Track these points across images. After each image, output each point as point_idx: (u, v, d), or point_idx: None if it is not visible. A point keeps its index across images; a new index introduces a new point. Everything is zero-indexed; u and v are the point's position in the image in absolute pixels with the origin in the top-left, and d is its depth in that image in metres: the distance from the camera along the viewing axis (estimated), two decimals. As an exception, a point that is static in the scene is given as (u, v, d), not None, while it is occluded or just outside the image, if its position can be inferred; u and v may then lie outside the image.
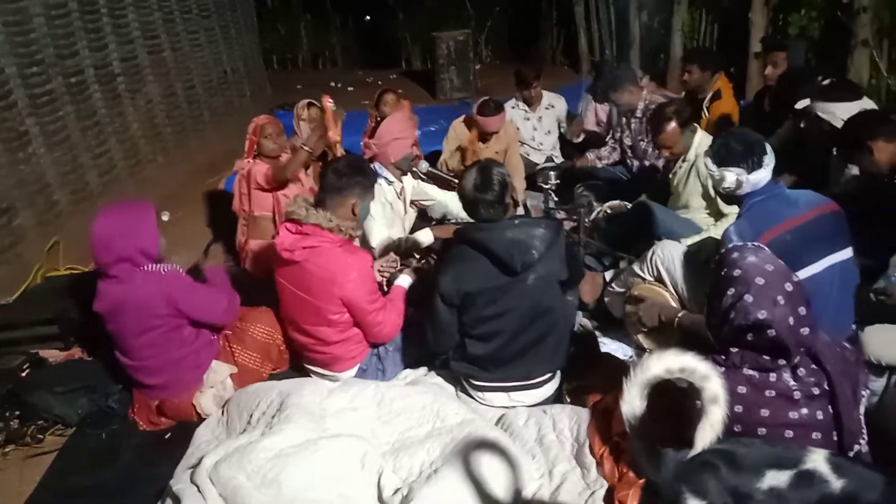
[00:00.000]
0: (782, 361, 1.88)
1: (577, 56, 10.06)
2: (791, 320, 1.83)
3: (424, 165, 4.24)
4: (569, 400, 2.89)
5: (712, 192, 3.64)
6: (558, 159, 5.67)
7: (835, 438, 1.89)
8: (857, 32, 5.29)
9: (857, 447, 1.90)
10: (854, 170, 3.55)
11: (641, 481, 2.26)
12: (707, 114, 5.03)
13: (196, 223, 5.47)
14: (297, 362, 3.29)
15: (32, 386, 3.13)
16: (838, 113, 3.47)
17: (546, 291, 2.70)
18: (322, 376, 3.13)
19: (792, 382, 1.89)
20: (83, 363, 3.43)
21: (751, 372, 1.91)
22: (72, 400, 3.09)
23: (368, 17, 14.13)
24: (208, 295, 3.06)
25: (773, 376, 1.90)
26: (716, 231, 3.59)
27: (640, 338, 3.17)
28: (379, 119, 5.17)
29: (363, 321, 2.95)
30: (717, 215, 3.75)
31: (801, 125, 3.65)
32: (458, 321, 2.74)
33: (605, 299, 3.49)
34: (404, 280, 3.24)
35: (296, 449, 2.37)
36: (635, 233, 3.92)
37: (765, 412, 1.88)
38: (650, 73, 4.90)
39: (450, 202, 4.16)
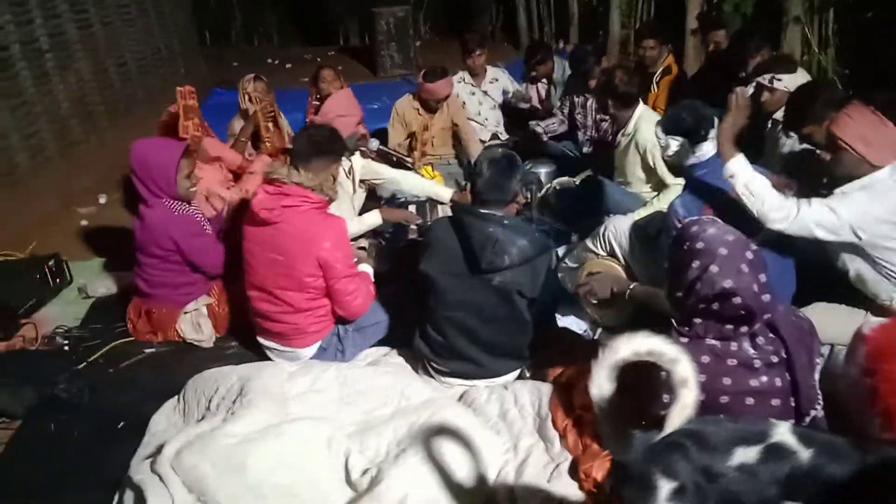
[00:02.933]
0: (745, 328, 1.93)
1: (517, 32, 10.07)
2: (755, 287, 1.89)
3: (374, 144, 4.21)
4: (528, 375, 2.92)
5: (652, 164, 3.74)
6: (503, 136, 5.69)
7: (792, 405, 1.97)
8: (788, 10, 5.45)
9: (813, 412, 1.98)
10: (789, 142, 3.69)
11: (606, 453, 2.32)
12: (656, 88, 5.13)
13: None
14: (249, 338, 3.29)
15: (-27, 379, 2.99)
16: (788, 83, 3.61)
17: (505, 301, 2.68)
18: (279, 353, 3.11)
19: (752, 351, 1.96)
20: (27, 353, 3.31)
21: (713, 342, 1.97)
22: (16, 391, 2.96)
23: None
24: (208, 245, 3.36)
25: (733, 345, 1.96)
26: (659, 204, 3.67)
27: (592, 311, 3.23)
28: (319, 97, 5.12)
29: (336, 287, 2.95)
30: (659, 187, 3.83)
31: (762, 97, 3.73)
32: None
33: (559, 275, 3.54)
34: (366, 268, 3.24)
35: (259, 434, 2.33)
36: (585, 208, 3.98)
37: (727, 380, 1.94)
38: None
39: (402, 180, 4.13)
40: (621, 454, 1.62)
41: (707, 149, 2.84)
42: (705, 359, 1.96)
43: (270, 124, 4.51)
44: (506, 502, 2.24)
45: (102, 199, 5.32)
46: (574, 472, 2.35)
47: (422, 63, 9.54)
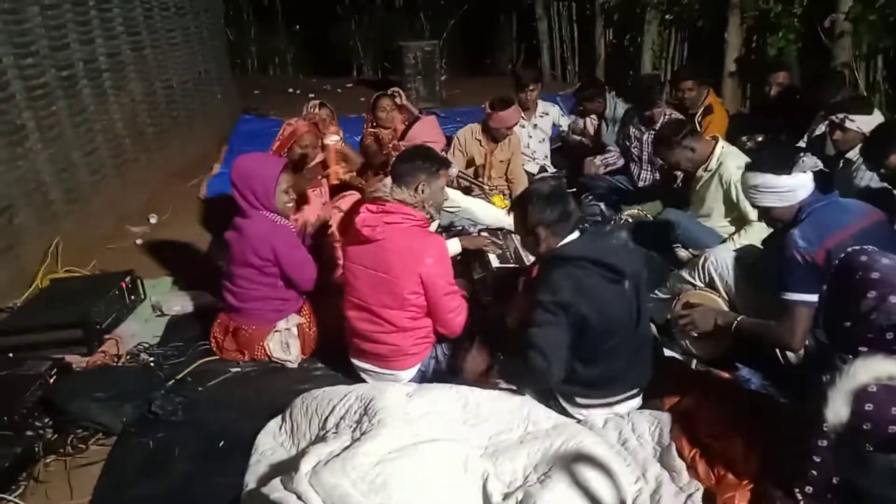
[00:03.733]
0: None
1: (540, 71, 10.23)
2: None
3: (455, 170, 4.23)
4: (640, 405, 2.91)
5: (735, 199, 3.79)
6: (551, 169, 5.75)
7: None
8: (837, 55, 5.59)
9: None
10: (865, 177, 3.79)
11: (745, 482, 2.32)
12: (700, 128, 5.21)
13: (184, 226, 5.26)
14: (336, 360, 3.31)
15: (71, 393, 2.93)
16: (861, 124, 3.75)
17: (639, 294, 2.70)
18: (376, 376, 3.11)
19: (918, 381, 1.97)
20: (116, 369, 3.27)
21: (882, 371, 1.97)
22: (115, 407, 2.91)
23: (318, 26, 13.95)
24: (305, 260, 3.38)
25: (898, 374, 1.96)
26: (744, 238, 3.71)
27: (690, 343, 3.24)
28: (375, 124, 5.18)
29: (439, 303, 2.97)
30: (739, 223, 3.87)
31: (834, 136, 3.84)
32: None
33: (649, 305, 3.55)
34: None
35: (397, 454, 2.30)
36: (659, 240, 4.02)
37: (895, 410, 1.95)
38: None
39: (475, 209, 4.16)
40: (859, 478, 1.61)
41: (803, 182, 2.88)
42: (873, 388, 1.96)
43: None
44: (651, 531, 2.21)
45: (153, 219, 5.31)
46: (708, 501, 2.34)
47: (446, 97, 9.69)
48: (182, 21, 6.84)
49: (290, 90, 10.81)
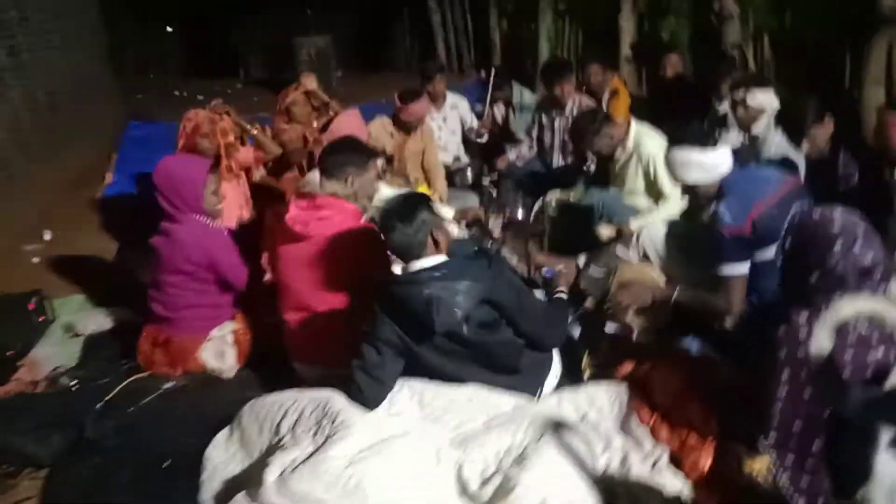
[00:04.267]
0: (869, 290, 2.02)
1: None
2: (886, 254, 2.04)
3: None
4: (586, 380, 2.95)
5: (652, 176, 3.91)
6: (464, 158, 5.76)
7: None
8: (726, 37, 5.88)
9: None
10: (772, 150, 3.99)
11: (709, 440, 2.39)
12: (607, 110, 5.35)
13: (84, 240, 4.94)
14: (272, 366, 3.19)
15: (-9, 427, 2.68)
16: (763, 100, 3.95)
17: (480, 340, 2.52)
18: (322, 378, 2.98)
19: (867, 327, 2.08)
20: (36, 396, 3.02)
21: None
22: (42, 437, 2.68)
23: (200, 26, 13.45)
24: (240, 260, 3.27)
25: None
26: (662, 211, 3.84)
27: (629, 318, 3.31)
28: (288, 120, 5.06)
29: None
30: (658, 197, 4.00)
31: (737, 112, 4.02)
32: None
33: (581, 284, 3.61)
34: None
35: (367, 453, 2.23)
36: (585, 221, 4.10)
37: (847, 355, 2.05)
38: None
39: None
40: (839, 407, 1.67)
41: (725, 157, 3.01)
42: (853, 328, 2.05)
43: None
44: (625, 499, 2.24)
45: (48, 235, 4.95)
46: (674, 464, 2.40)
47: (343, 94, 9.55)
48: (59, 23, 6.39)
49: (177, 93, 10.38)
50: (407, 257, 2.51)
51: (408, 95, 4.80)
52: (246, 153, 4.40)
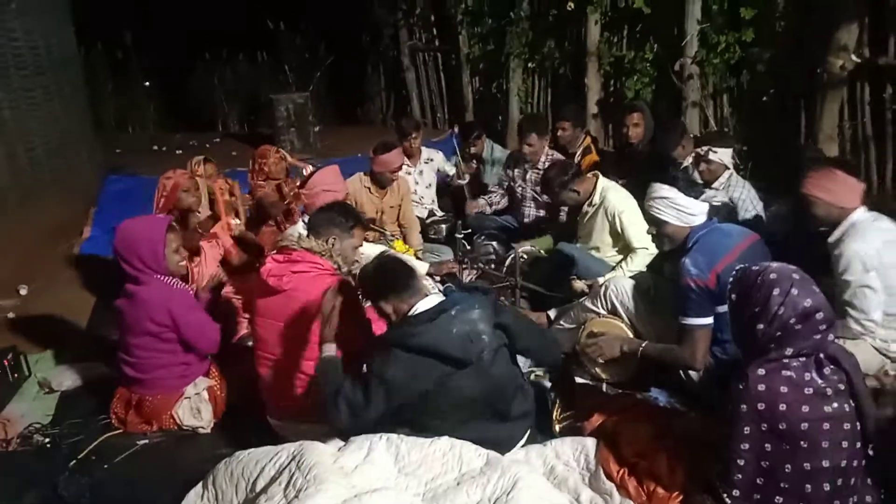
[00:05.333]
0: (819, 337, 2.17)
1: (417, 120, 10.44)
2: (825, 300, 2.17)
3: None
4: (557, 432, 3.00)
5: (619, 230, 4.04)
6: (438, 213, 5.87)
7: (859, 428, 2.20)
8: (687, 95, 6.12)
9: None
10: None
11: (675, 495, 2.45)
12: (579, 166, 5.52)
13: (60, 295, 4.93)
14: (247, 420, 3.22)
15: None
16: (723, 156, 4.22)
17: (499, 363, 2.70)
18: (298, 432, 3.00)
19: (820, 381, 2.18)
20: (9, 454, 3.02)
21: (789, 373, 2.16)
22: (14, 495, 2.68)
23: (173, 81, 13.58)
24: (205, 321, 3.27)
25: (806, 375, 2.16)
26: (628, 266, 3.96)
27: (598, 370, 3.40)
28: (266, 177, 5.12)
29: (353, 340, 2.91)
30: (624, 251, 4.12)
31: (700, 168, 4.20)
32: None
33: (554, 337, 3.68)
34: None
35: (340, 509, 2.26)
36: (556, 274, 4.20)
37: (805, 408, 2.14)
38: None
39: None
40: None
41: (702, 209, 3.14)
42: (784, 389, 2.16)
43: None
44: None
45: (23, 290, 4.94)
46: (641, 518, 2.45)
47: (321, 148, 9.69)
48: (41, 80, 6.46)
49: (155, 147, 10.46)
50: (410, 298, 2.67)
51: (380, 147, 4.94)
52: (226, 222, 4.39)
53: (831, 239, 3.19)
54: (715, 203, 3.38)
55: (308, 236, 3.06)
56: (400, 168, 5.03)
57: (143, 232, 3.18)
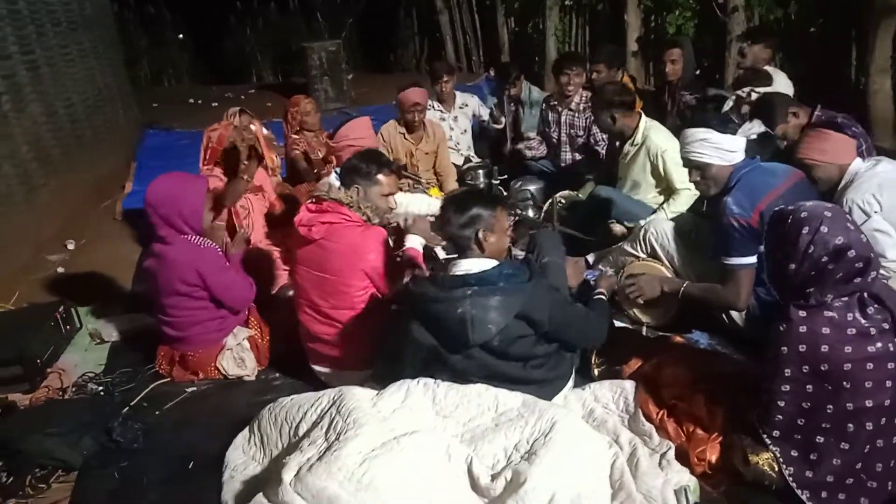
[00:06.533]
0: (860, 280, 2.10)
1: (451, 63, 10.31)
2: (863, 238, 2.10)
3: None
4: (596, 376, 3.00)
5: (661, 171, 3.95)
6: (475, 159, 5.81)
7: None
8: (732, 29, 5.90)
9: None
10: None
11: (714, 435, 2.45)
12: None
13: (106, 249, 5.06)
14: (295, 367, 3.28)
15: (22, 432, 2.78)
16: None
17: (509, 350, 2.56)
18: (338, 379, 3.07)
19: (864, 321, 2.13)
20: (65, 402, 3.12)
21: (831, 314, 2.12)
22: (72, 441, 2.78)
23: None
24: (235, 279, 3.28)
25: (849, 315, 2.12)
26: (669, 208, 3.88)
27: (637, 312, 3.37)
28: (300, 129, 5.13)
29: (391, 292, 3.00)
30: (667, 193, 4.03)
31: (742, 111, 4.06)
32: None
33: (591, 281, 3.66)
34: (415, 241, 3.32)
35: (380, 450, 2.30)
36: (594, 218, 4.15)
37: (848, 348, 2.10)
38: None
39: (412, 203, 4.17)
40: None
41: (740, 144, 3.05)
42: (826, 330, 2.12)
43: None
44: (636, 494, 2.30)
45: (71, 245, 5.08)
46: (682, 458, 2.46)
47: (355, 96, 9.63)
48: (76, 36, 6.53)
49: (191, 101, 10.53)
50: (455, 250, 2.61)
51: (400, 89, 4.92)
52: (270, 157, 4.33)
53: (836, 196, 3.12)
54: (752, 137, 3.25)
55: (339, 188, 3.06)
56: (420, 106, 4.92)
57: (184, 189, 3.14)
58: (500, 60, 9.24)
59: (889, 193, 3.02)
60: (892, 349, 2.14)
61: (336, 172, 3.49)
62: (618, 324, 3.25)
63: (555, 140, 5.30)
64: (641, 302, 3.28)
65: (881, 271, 2.94)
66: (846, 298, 2.13)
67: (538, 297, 2.51)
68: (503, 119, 5.75)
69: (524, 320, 2.50)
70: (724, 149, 3.01)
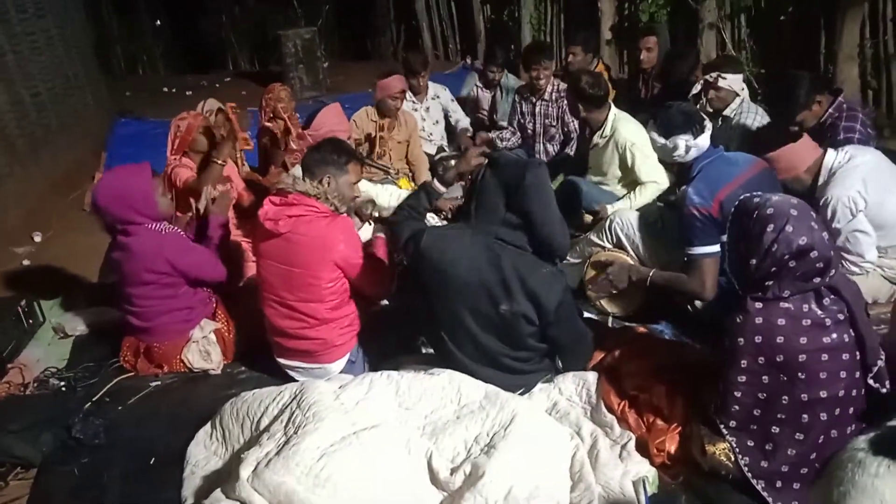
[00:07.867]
0: (819, 280, 2.12)
1: (421, 51, 10.22)
2: (826, 240, 2.10)
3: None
4: (561, 367, 3.00)
5: (629, 162, 3.95)
6: (448, 149, 5.79)
7: (858, 358, 2.17)
8: (704, 16, 5.91)
9: (878, 364, 2.19)
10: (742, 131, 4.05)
11: (674, 426, 2.46)
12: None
13: (72, 241, 4.98)
14: (261, 361, 3.26)
15: (-20, 428, 2.75)
16: (733, 82, 4.02)
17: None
18: (305, 372, 3.08)
19: (819, 312, 2.14)
20: (26, 398, 3.08)
21: (787, 305, 2.13)
22: (32, 437, 2.75)
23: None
24: (205, 254, 3.29)
25: (805, 306, 2.13)
26: (636, 199, 3.88)
27: (604, 302, 3.39)
28: (272, 116, 5.05)
29: (363, 280, 3.00)
30: (632, 184, 4.03)
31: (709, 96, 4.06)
32: None
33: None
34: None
35: (339, 445, 2.30)
36: (563, 208, 4.13)
37: (803, 339, 2.12)
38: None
39: (380, 194, 4.15)
40: None
41: (706, 139, 3.06)
42: (781, 321, 2.13)
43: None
44: (595, 486, 2.31)
45: (38, 237, 5.00)
46: (642, 449, 2.47)
47: (330, 84, 9.55)
48: (42, 23, 6.40)
49: (165, 89, 10.38)
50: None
51: (381, 76, 4.88)
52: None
53: (818, 192, 3.11)
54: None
55: (304, 178, 3.02)
56: (401, 93, 4.90)
57: (129, 182, 3.10)
58: (476, 48, 9.22)
59: (873, 188, 3.01)
60: (846, 340, 2.16)
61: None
62: (585, 314, 3.27)
63: (530, 131, 5.28)
64: (615, 292, 3.28)
65: (855, 269, 3.01)
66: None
67: (554, 283, 2.59)
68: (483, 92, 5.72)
69: (532, 302, 2.55)
70: (691, 146, 3.03)
